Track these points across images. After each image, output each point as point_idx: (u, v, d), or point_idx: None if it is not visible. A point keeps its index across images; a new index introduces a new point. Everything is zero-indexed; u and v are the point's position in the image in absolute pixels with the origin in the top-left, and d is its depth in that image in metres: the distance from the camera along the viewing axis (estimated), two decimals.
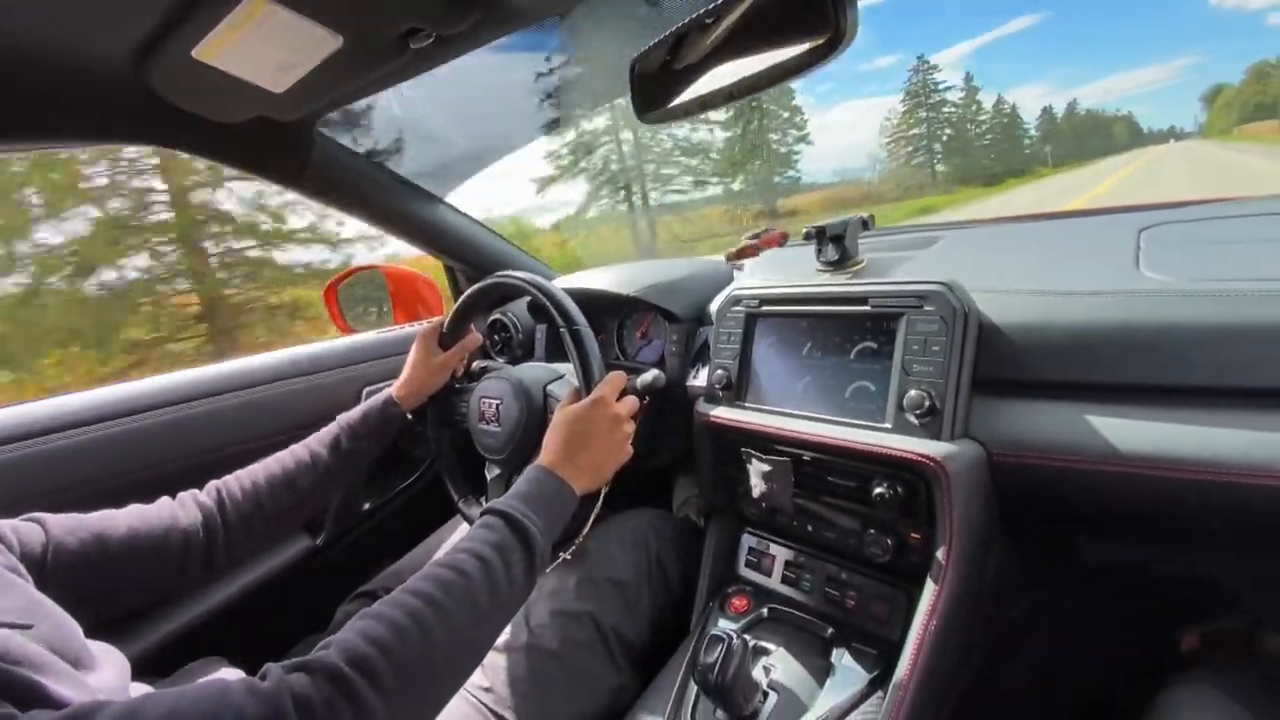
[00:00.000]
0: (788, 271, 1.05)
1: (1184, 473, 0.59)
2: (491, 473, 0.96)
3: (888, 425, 0.74)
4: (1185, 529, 0.65)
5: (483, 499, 1.01)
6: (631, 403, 0.82)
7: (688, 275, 1.16)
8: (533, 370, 0.97)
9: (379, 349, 1.32)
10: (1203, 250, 0.72)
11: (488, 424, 0.94)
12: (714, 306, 1.07)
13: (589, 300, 1.20)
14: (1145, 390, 0.63)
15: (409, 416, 0.99)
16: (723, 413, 0.91)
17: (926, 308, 0.74)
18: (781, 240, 1.05)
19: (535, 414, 0.90)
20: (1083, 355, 0.66)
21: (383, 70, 0.82)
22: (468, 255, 1.42)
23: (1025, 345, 0.69)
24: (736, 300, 0.95)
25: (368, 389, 1.25)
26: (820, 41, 0.61)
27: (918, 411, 0.71)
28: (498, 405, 0.93)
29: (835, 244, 0.92)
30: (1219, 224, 0.79)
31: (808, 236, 0.94)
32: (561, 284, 1.27)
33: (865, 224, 0.93)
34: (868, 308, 0.79)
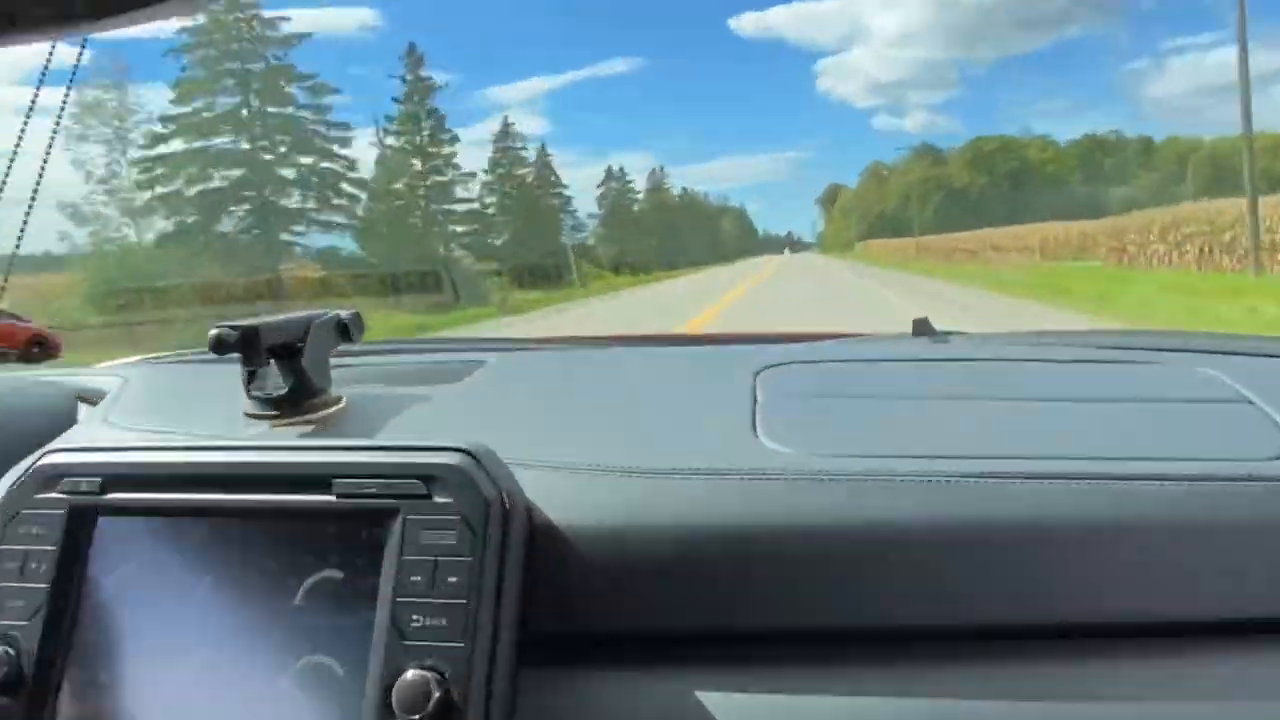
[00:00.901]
0: (185, 414, 0.58)
1: None
2: None
3: None
4: None
5: None
6: None
7: None
8: None
9: None
10: (831, 407, 0.55)
11: None
12: None
13: None
14: (784, 641, 0.42)
15: None
16: None
17: (438, 498, 0.40)
18: (31, 339, 0.56)
19: None
20: (691, 580, 0.42)
21: None
22: None
23: (603, 565, 0.42)
24: (50, 478, 0.44)
25: None
26: None
27: (419, 715, 0.35)
28: None
29: (283, 365, 0.51)
30: (850, 370, 0.63)
31: (220, 346, 0.50)
32: None
33: (345, 331, 0.56)
34: (330, 498, 0.41)
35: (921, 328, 0.74)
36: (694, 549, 0.42)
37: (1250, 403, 0.50)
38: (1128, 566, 0.41)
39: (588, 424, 0.54)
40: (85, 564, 0.42)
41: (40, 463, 0.44)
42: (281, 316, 0.52)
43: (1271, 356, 0.63)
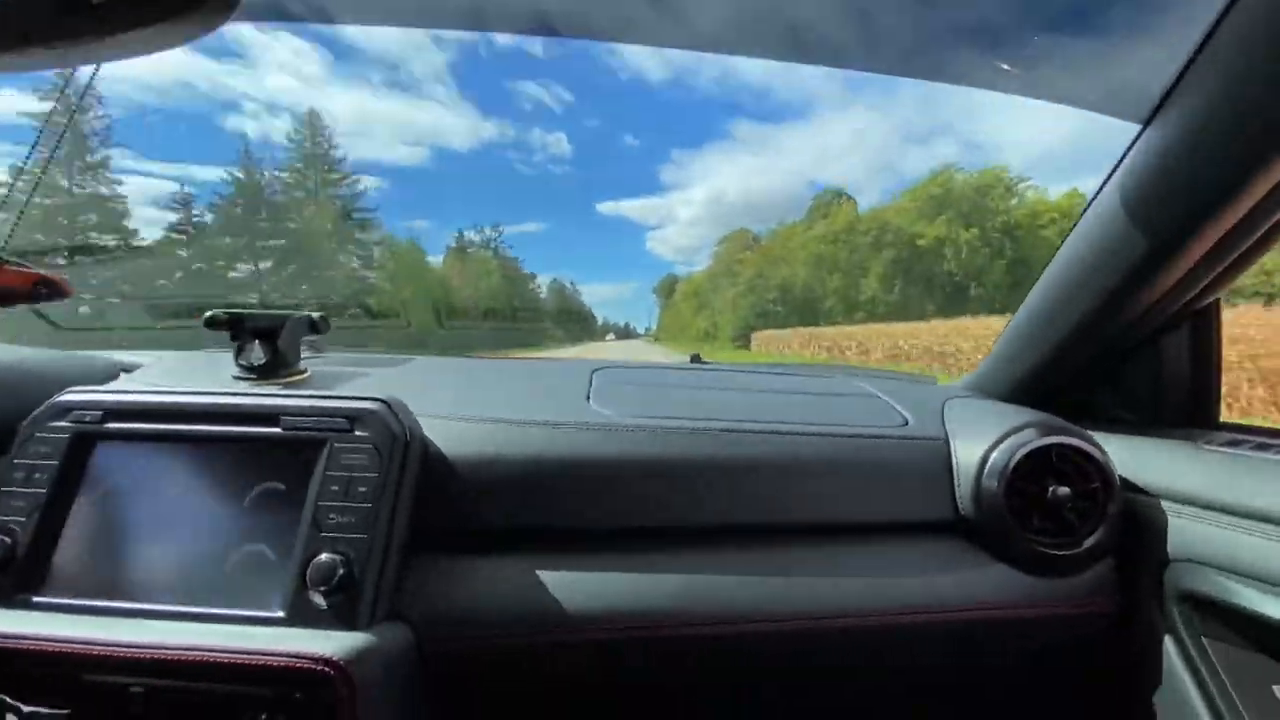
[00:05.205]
0: (191, 379, 0.72)
1: (619, 629, 0.52)
2: None
3: (281, 613, 0.48)
4: (643, 694, 0.58)
5: None
6: None
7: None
8: None
9: None
10: (639, 391, 0.76)
11: None
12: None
13: None
14: (597, 536, 0.57)
15: None
16: None
17: (358, 432, 0.53)
18: (38, 282, 0.61)
19: None
20: (537, 493, 0.57)
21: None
22: None
23: (478, 482, 0.56)
24: (62, 410, 0.56)
25: None
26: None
27: (325, 586, 0.47)
28: None
29: (265, 343, 0.66)
30: (652, 373, 0.87)
31: (211, 324, 0.65)
32: None
33: (314, 325, 0.70)
34: (278, 430, 0.54)
35: (695, 359, 1.15)
36: (539, 472, 0.57)
37: (880, 398, 0.79)
38: (807, 488, 0.61)
39: (473, 397, 0.69)
40: (82, 477, 0.54)
41: (55, 399, 0.57)
42: (265, 311, 0.67)
43: (894, 380, 0.96)
